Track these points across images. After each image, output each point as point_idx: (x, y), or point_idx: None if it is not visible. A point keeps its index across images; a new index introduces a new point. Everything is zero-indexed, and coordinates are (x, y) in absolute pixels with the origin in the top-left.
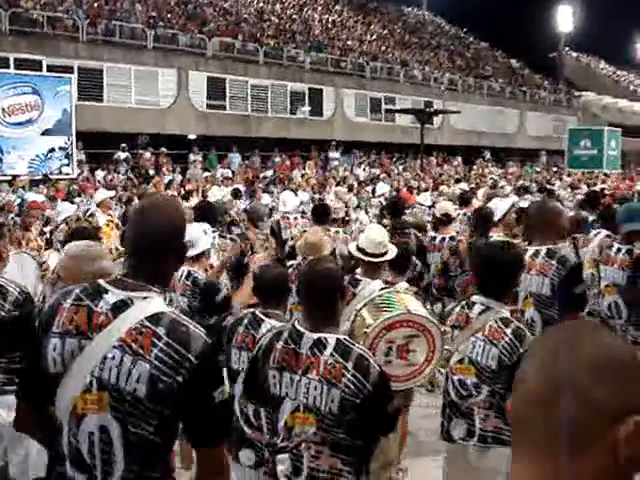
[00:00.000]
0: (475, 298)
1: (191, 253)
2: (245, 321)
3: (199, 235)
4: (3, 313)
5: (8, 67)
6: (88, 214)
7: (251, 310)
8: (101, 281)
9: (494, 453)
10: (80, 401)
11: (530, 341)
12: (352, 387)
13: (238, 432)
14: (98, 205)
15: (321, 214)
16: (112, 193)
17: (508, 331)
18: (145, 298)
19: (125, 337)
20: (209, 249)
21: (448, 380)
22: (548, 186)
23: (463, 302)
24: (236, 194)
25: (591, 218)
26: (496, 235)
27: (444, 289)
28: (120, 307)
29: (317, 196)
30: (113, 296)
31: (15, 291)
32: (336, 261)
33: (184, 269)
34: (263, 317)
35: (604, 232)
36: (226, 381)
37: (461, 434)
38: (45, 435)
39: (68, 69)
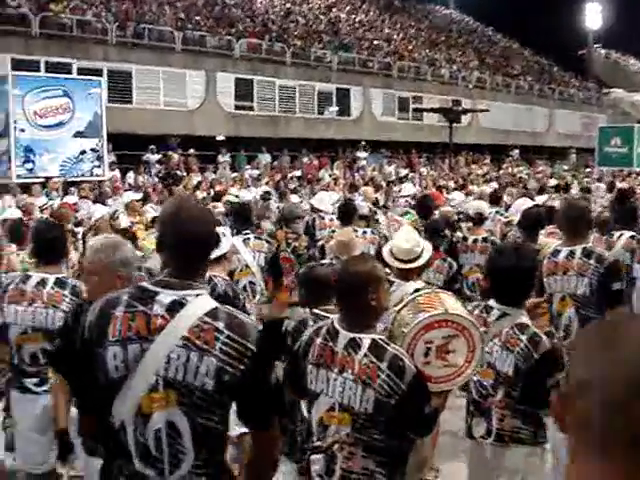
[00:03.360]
0: (492, 303)
1: (216, 254)
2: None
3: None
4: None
5: (39, 70)
6: (115, 216)
7: (313, 312)
8: (146, 284)
9: (512, 452)
10: (146, 400)
11: (575, 341)
12: (386, 387)
13: None
14: (126, 207)
15: (345, 214)
16: (139, 195)
17: (524, 337)
18: (197, 296)
19: (188, 335)
20: (227, 252)
21: (470, 379)
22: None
23: (481, 306)
24: (265, 197)
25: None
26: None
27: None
28: (176, 307)
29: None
30: (165, 297)
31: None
32: (374, 261)
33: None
34: (328, 315)
35: (628, 233)
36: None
37: (481, 432)
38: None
39: (98, 72)
